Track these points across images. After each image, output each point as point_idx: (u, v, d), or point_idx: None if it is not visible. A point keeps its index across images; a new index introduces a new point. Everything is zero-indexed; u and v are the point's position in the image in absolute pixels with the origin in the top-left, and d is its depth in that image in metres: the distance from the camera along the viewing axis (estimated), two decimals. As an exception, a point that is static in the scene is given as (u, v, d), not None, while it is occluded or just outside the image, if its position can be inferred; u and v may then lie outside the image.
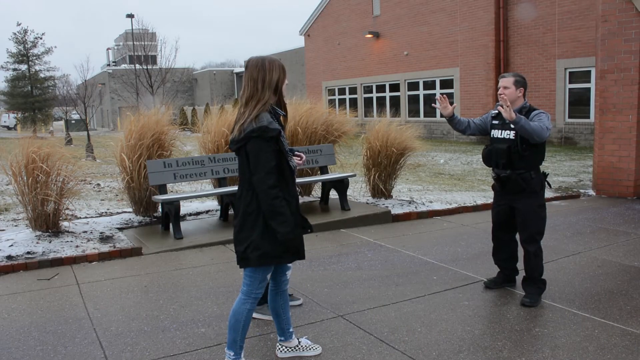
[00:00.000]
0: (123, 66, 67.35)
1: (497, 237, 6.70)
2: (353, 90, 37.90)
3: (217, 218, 10.54)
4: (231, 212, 10.11)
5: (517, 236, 6.54)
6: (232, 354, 4.57)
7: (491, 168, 6.46)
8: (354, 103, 37.54)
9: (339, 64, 38.65)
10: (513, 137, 6.10)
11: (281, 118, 4.45)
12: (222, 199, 10.16)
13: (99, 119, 79.80)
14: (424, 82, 32.10)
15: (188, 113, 51.91)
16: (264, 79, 4.28)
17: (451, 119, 6.47)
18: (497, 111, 6.35)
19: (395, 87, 34.31)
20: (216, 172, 9.95)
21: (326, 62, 39.76)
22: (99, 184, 15.69)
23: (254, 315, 5.89)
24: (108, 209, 11.53)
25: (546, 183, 6.27)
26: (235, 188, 9.76)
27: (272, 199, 4.20)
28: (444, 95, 6.55)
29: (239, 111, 4.35)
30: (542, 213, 6.23)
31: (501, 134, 6.24)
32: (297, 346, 4.96)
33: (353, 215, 10.36)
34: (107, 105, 73.12)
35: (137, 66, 44.38)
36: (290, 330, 4.95)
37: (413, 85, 32.91)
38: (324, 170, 11.23)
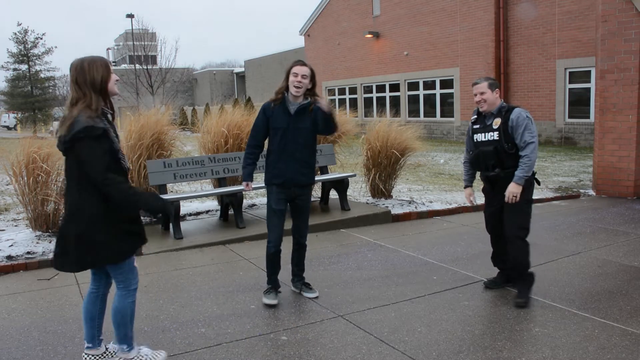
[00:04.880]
0: (123, 66, 67.16)
1: (494, 240, 6.74)
2: (353, 90, 37.90)
3: (217, 218, 10.54)
4: (231, 212, 10.11)
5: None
6: (125, 347, 4.69)
7: (479, 172, 6.56)
8: (354, 103, 37.55)
9: (339, 64, 38.67)
10: (497, 138, 6.20)
11: (108, 116, 4.45)
12: (222, 199, 10.16)
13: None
14: (424, 82, 32.09)
15: (188, 113, 51.85)
16: (84, 80, 4.28)
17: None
18: (475, 116, 6.53)
19: (395, 87, 34.30)
20: (216, 172, 9.95)
21: (326, 62, 39.76)
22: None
23: (264, 300, 6.23)
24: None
25: (534, 180, 6.34)
26: (237, 187, 9.78)
27: (124, 193, 4.29)
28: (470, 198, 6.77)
29: (64, 113, 4.36)
30: (528, 209, 6.30)
31: (485, 137, 6.32)
32: (105, 353, 4.82)
33: (353, 215, 10.36)
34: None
35: (137, 66, 44.46)
36: (101, 337, 4.81)
37: (413, 86, 32.91)
38: (324, 170, 11.23)
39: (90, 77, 4.29)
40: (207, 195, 9.79)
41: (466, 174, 6.75)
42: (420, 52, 31.79)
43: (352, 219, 10.25)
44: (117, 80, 4.50)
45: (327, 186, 11.31)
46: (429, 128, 31.19)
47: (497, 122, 6.22)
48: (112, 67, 4.56)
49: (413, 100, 33.10)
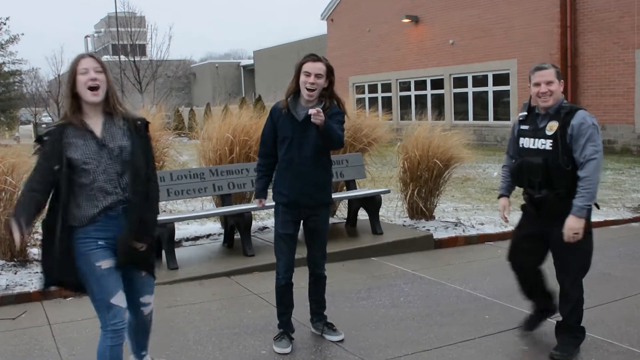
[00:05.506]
0: (105, 58, 67.57)
1: (522, 277, 6.41)
2: (386, 87, 37.91)
3: (220, 244, 10.58)
4: (237, 236, 10.14)
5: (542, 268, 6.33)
6: None
7: (522, 189, 6.21)
8: (387, 103, 37.54)
9: (370, 55, 38.67)
10: (550, 148, 5.80)
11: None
12: (227, 220, 10.20)
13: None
14: (474, 77, 32.02)
15: (184, 115, 52.02)
16: None
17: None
18: (525, 113, 6.18)
19: (438, 84, 34.25)
20: (219, 188, 10.00)
21: (353, 53, 39.80)
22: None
23: (274, 349, 6.27)
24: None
25: (593, 205, 5.84)
26: (244, 206, 9.81)
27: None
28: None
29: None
30: (589, 244, 5.91)
31: (533, 143, 5.95)
32: None
33: (386, 240, 10.36)
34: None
35: (122, 58, 44.73)
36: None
37: (460, 82, 32.86)
38: (351, 185, 11.25)
39: None
40: (207, 216, 9.85)
41: (504, 180, 6.45)
42: (469, 41, 31.74)
43: (386, 244, 10.25)
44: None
45: (354, 205, 11.32)
46: (480, 133, 31.11)
47: (552, 127, 5.81)
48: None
49: (460, 99, 33.05)
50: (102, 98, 4.78)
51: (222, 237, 10.91)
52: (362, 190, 11.26)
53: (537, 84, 5.88)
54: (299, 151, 6.12)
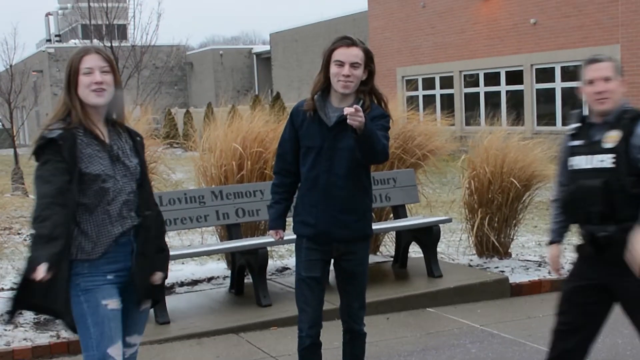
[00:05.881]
0: (72, 42, 68.03)
1: (561, 340, 6.01)
2: (447, 82, 37.90)
3: (226, 290, 10.62)
4: (248, 280, 10.17)
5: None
6: None
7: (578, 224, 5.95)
8: (448, 102, 37.54)
9: (424, 38, 38.70)
10: (613, 165, 5.53)
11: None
12: (234, 259, 10.22)
13: (32, 127, 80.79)
14: (562, 68, 31.92)
15: (178, 118, 52.42)
16: None
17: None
18: (579, 124, 5.90)
19: (515, 77, 34.18)
20: (224, 216, 10.03)
21: (403, 36, 39.86)
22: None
23: None
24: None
25: None
26: (258, 240, 9.82)
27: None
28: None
29: None
30: None
31: (590, 162, 5.66)
32: None
33: (447, 285, 10.36)
34: (46, 106, 73.78)
35: (96, 42, 45.02)
36: None
37: (545, 74, 32.79)
38: (399, 212, 11.25)
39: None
40: (209, 253, 9.90)
41: (554, 220, 6.26)
42: (556, 21, 31.67)
43: (446, 291, 10.24)
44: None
45: (404, 238, 11.32)
46: (572, 143, 30.95)
47: (612, 138, 5.54)
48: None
49: (545, 97, 32.97)
50: (107, 100, 4.94)
51: (228, 280, 10.94)
52: (415, 218, 11.27)
53: (591, 82, 5.66)
54: (329, 166, 6.00)
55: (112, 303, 4.84)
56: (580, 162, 5.70)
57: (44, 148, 4.81)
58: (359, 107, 5.49)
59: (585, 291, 5.77)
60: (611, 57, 5.84)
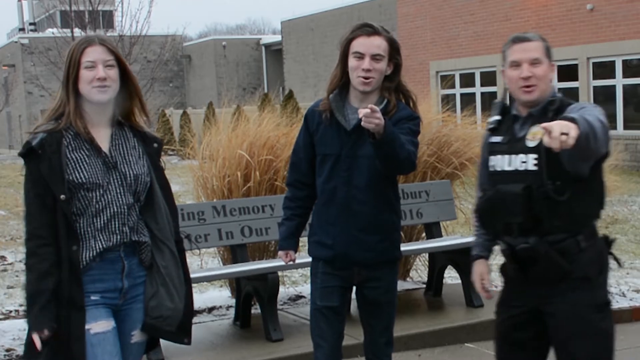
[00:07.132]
0: (49, 32, 67.98)
1: None
2: (488, 79, 37.90)
3: (230, 322, 10.62)
4: (255, 309, 10.17)
5: None
6: None
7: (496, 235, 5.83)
8: (488, 102, 37.53)
9: (462, 28, 38.77)
10: (534, 168, 5.34)
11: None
12: (239, 285, 10.23)
13: (2, 131, 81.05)
14: (624, 61, 31.94)
15: (174, 120, 52.54)
16: None
17: None
18: (498, 117, 5.75)
19: (569, 72, 34.19)
20: (228, 235, 10.03)
21: (436, 26, 39.95)
22: (3, 257, 15.93)
23: None
24: (22, 305, 11.65)
25: (611, 257, 5.68)
26: (268, 263, 9.82)
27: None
28: None
29: None
30: (605, 324, 5.61)
31: (509, 163, 5.50)
32: None
33: (489, 316, 10.28)
34: (18, 106, 74.06)
35: (77, 32, 45.16)
36: None
37: (603, 69, 32.82)
38: (433, 230, 11.23)
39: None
40: (210, 279, 9.89)
41: (477, 232, 6.14)
42: (617, 6, 31.68)
43: (488, 323, 10.20)
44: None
45: (439, 261, 11.30)
46: (635, 150, 30.94)
47: (536, 135, 5.19)
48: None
49: (604, 95, 32.97)
50: (111, 97, 4.99)
51: (232, 311, 10.96)
52: (451, 238, 11.26)
53: (516, 64, 5.53)
54: (348, 177, 5.98)
55: (97, 326, 4.84)
56: (501, 162, 5.56)
57: (25, 157, 4.88)
58: (375, 106, 5.35)
59: (517, 322, 5.67)
60: (542, 36, 5.69)
